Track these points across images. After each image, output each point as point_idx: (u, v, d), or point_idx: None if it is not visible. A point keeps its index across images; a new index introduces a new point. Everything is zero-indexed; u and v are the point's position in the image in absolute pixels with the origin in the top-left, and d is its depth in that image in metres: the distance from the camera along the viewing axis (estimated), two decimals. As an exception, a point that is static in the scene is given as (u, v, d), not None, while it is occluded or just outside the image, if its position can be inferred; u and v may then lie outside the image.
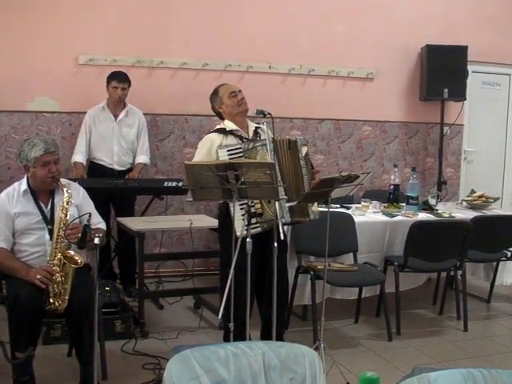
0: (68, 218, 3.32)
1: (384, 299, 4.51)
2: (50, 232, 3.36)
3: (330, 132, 6.39)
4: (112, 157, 5.19)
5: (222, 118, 3.85)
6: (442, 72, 6.28)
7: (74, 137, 5.31)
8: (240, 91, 3.85)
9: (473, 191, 5.69)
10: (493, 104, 7.00)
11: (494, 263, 5.18)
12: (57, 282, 3.22)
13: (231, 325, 3.23)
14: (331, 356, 3.69)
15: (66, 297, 3.22)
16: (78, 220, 3.31)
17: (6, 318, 3.27)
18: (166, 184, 5.07)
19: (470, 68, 6.45)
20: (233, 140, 3.71)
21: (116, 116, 5.19)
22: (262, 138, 3.71)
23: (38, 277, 3.18)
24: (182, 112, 5.81)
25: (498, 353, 4.26)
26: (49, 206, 3.44)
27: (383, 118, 6.55)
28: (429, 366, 3.40)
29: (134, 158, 5.28)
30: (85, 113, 5.21)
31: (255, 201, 3.49)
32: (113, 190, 4.93)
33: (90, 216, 3.03)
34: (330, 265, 4.11)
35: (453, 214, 5.13)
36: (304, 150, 3.65)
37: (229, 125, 3.77)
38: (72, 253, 3.27)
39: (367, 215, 4.95)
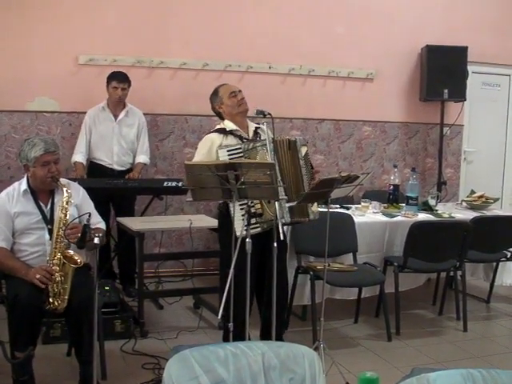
0: (67, 217, 3.32)
1: (384, 299, 4.51)
2: (50, 232, 3.36)
3: (330, 132, 6.40)
4: (112, 157, 5.19)
5: (222, 118, 3.85)
6: (442, 72, 6.29)
7: (74, 137, 5.31)
8: (240, 91, 3.85)
9: (473, 192, 5.69)
10: (493, 104, 7.00)
11: (494, 264, 5.18)
12: (56, 281, 3.22)
13: (231, 325, 3.23)
14: (331, 356, 3.69)
15: (66, 296, 3.23)
16: (77, 220, 3.32)
17: (6, 317, 3.27)
18: (165, 184, 5.07)
19: (470, 68, 6.45)
20: (233, 140, 3.71)
21: (116, 116, 5.19)
22: (262, 138, 3.71)
23: (38, 276, 3.18)
24: (181, 112, 5.82)
25: (497, 353, 4.26)
26: (49, 206, 3.44)
27: (383, 118, 6.55)
28: (428, 367, 3.39)
29: (134, 158, 5.28)
30: (85, 113, 5.21)
31: (255, 201, 3.49)
32: (113, 189, 4.93)
33: (89, 216, 3.04)
34: (329, 265, 4.11)
35: (453, 215, 5.14)
36: (303, 150, 3.65)
37: (229, 125, 3.78)
38: (71, 252, 3.28)
39: (367, 215, 4.95)
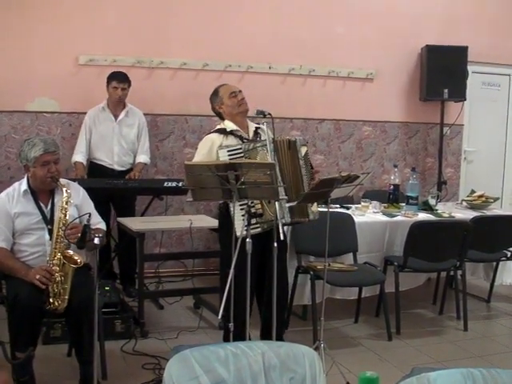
0: (67, 217, 3.32)
1: (384, 299, 4.51)
2: (50, 232, 3.36)
3: (330, 132, 6.40)
4: (112, 157, 5.19)
5: (223, 119, 3.86)
6: (442, 72, 6.29)
7: (74, 137, 5.31)
8: (240, 91, 3.85)
9: (473, 191, 5.69)
10: (493, 104, 7.00)
11: (494, 263, 5.18)
12: (56, 281, 3.22)
13: (231, 325, 3.23)
14: (331, 356, 3.69)
15: (66, 296, 3.23)
16: (77, 220, 3.32)
17: (6, 318, 3.28)
18: (166, 184, 5.07)
19: (469, 68, 6.45)
20: (233, 140, 3.71)
21: (116, 116, 5.19)
22: (262, 138, 3.71)
23: (38, 277, 3.18)
24: (181, 112, 5.82)
25: (497, 353, 4.26)
26: (49, 206, 3.44)
27: (383, 118, 6.55)
28: (428, 366, 3.39)
29: (135, 158, 5.28)
30: (85, 113, 5.21)
31: (255, 201, 3.49)
32: (113, 190, 4.93)
33: (89, 216, 3.04)
34: (329, 265, 4.11)
35: (453, 214, 5.14)
36: (303, 150, 3.65)
37: (229, 125, 3.78)
38: (71, 252, 3.28)
39: (367, 215, 4.95)
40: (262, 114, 3.57)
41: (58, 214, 3.34)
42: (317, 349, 3.60)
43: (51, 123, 5.43)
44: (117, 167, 5.20)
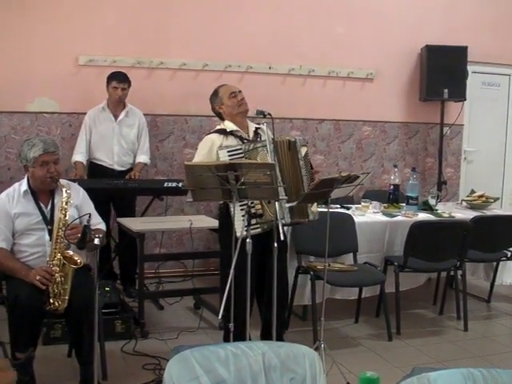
0: (67, 218, 3.32)
1: (384, 299, 4.51)
2: (50, 232, 3.36)
3: (330, 132, 6.40)
4: (112, 157, 5.19)
5: (222, 119, 3.86)
6: (442, 72, 6.28)
7: (74, 137, 5.30)
8: (240, 92, 3.85)
9: (473, 191, 5.69)
10: (493, 104, 7.00)
11: (494, 263, 5.18)
12: (56, 282, 3.22)
13: (231, 325, 3.23)
14: (331, 356, 3.69)
15: (66, 297, 3.23)
16: (77, 220, 3.32)
17: (6, 318, 3.28)
18: (166, 185, 5.07)
19: (469, 68, 6.45)
20: (233, 141, 3.71)
21: (116, 116, 5.19)
22: (262, 138, 3.71)
23: (38, 278, 3.18)
24: (181, 113, 5.81)
25: (498, 352, 4.26)
26: (49, 207, 3.45)
27: (383, 118, 6.55)
28: (429, 366, 3.39)
29: (135, 158, 5.28)
30: (85, 113, 5.21)
31: (255, 201, 3.49)
32: (113, 190, 4.93)
33: (89, 217, 3.04)
34: (329, 265, 4.11)
35: (453, 214, 5.14)
36: (303, 150, 3.65)
37: (229, 125, 3.78)
38: (71, 253, 3.28)
39: (367, 215, 4.95)
40: (261, 114, 3.57)
41: (57, 215, 3.34)
42: (317, 349, 3.60)
43: (51, 124, 5.43)
44: (117, 167, 5.20)
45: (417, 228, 4.49)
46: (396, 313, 4.52)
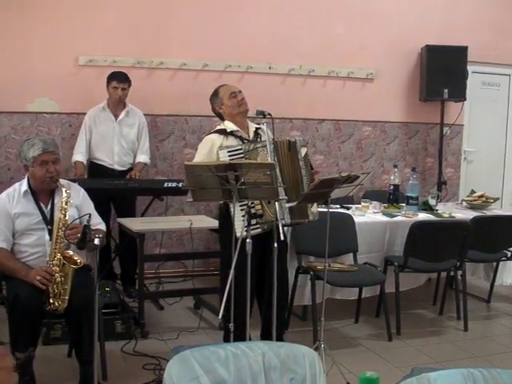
0: (67, 218, 3.32)
1: (384, 299, 4.51)
2: (50, 232, 3.36)
3: (330, 132, 6.40)
4: (113, 157, 5.19)
5: (223, 119, 3.86)
6: (442, 72, 6.28)
7: (74, 138, 5.30)
8: (240, 92, 3.85)
9: (473, 191, 5.70)
10: (492, 104, 7.00)
11: (494, 263, 5.18)
12: (56, 282, 3.22)
13: (231, 325, 3.23)
14: (331, 356, 3.69)
15: (66, 297, 3.23)
16: (77, 221, 3.32)
17: (6, 318, 3.28)
18: (166, 185, 5.07)
19: (469, 68, 6.45)
20: (233, 141, 3.71)
21: (116, 116, 5.19)
22: (262, 138, 3.71)
23: (38, 278, 3.18)
24: (181, 113, 5.81)
25: (497, 353, 4.26)
26: (49, 207, 3.45)
27: (383, 118, 6.55)
28: (429, 366, 3.39)
29: (135, 158, 5.28)
30: (85, 114, 5.20)
31: (255, 202, 3.49)
32: (113, 190, 4.93)
33: (89, 217, 3.04)
34: (330, 265, 4.11)
35: (453, 214, 5.14)
36: (303, 151, 3.65)
37: (229, 125, 3.78)
38: (71, 253, 3.28)
39: (367, 215, 4.95)
40: (261, 114, 3.57)
41: (57, 215, 3.35)
42: (317, 349, 3.60)
43: (51, 124, 5.43)
44: (117, 167, 5.20)
45: (417, 228, 4.49)
46: (396, 313, 4.52)
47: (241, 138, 3.73)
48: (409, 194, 5.19)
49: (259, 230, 3.49)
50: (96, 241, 2.91)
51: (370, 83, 6.43)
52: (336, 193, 3.52)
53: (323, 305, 3.70)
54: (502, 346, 4.41)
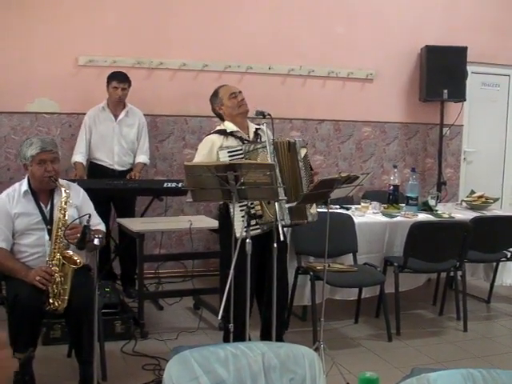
0: (66, 218, 3.32)
1: (384, 300, 4.51)
2: (50, 232, 3.36)
3: (330, 133, 6.40)
4: (113, 157, 5.18)
5: (223, 119, 3.85)
6: (442, 73, 6.28)
7: (74, 138, 5.30)
8: (240, 92, 3.85)
9: (472, 192, 5.70)
10: (492, 105, 7.00)
11: (494, 264, 5.18)
12: (56, 282, 3.22)
13: (231, 325, 3.23)
14: (331, 356, 3.69)
15: (66, 297, 3.23)
16: (77, 221, 3.32)
17: (6, 318, 3.27)
18: (165, 185, 5.07)
19: (469, 69, 6.45)
20: (233, 141, 3.71)
21: (116, 116, 5.19)
22: (262, 139, 3.71)
23: (38, 278, 3.18)
24: (181, 113, 5.81)
25: (497, 353, 4.26)
26: (48, 207, 3.45)
27: (383, 118, 6.55)
28: (428, 367, 3.40)
29: (135, 158, 5.28)
30: (84, 114, 5.20)
31: (255, 202, 3.49)
32: (112, 190, 4.93)
33: (89, 217, 3.04)
34: (329, 265, 4.11)
35: (452, 215, 5.14)
36: (303, 151, 3.65)
37: (229, 126, 3.78)
38: (71, 253, 3.28)
39: (367, 216, 4.95)
40: (261, 114, 3.57)
41: (56, 215, 3.35)
42: (317, 349, 3.60)
43: (51, 124, 5.43)
44: (117, 167, 5.19)
45: (416, 228, 4.49)
46: (396, 313, 4.52)
47: (241, 139, 3.73)
48: (408, 195, 5.19)
49: (259, 230, 3.49)
50: (96, 241, 2.91)
51: (370, 83, 6.43)
52: (336, 193, 3.52)
53: (323, 305, 3.70)
54: (501, 346, 4.41)
